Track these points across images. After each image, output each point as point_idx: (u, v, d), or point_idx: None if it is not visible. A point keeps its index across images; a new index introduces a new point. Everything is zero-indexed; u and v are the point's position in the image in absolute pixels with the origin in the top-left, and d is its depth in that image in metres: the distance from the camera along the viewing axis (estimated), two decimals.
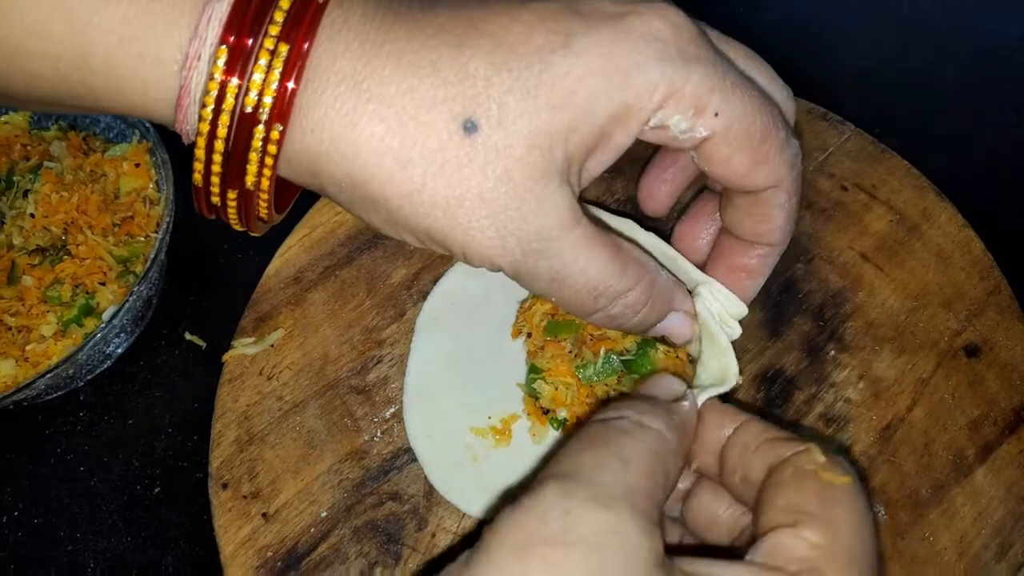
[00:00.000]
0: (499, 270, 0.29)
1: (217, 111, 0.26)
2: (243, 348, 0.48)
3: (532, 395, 0.43)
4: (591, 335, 0.41)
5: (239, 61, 0.26)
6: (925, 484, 0.43)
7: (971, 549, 0.41)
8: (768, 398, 0.45)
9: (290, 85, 0.26)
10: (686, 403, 0.31)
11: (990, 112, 0.61)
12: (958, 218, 0.50)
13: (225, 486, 0.44)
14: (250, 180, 0.27)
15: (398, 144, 0.27)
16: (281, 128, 0.26)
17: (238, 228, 0.30)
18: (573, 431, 0.31)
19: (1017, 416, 0.44)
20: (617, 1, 0.29)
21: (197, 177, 0.28)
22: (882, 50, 0.64)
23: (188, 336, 0.54)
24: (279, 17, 0.26)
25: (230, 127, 0.26)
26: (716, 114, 0.29)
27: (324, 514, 0.43)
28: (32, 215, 0.51)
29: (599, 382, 0.41)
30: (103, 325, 0.47)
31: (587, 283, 0.30)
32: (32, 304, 0.49)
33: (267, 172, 0.27)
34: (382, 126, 0.26)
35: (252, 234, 0.31)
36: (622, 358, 0.40)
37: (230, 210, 0.29)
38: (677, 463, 0.28)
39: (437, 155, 0.27)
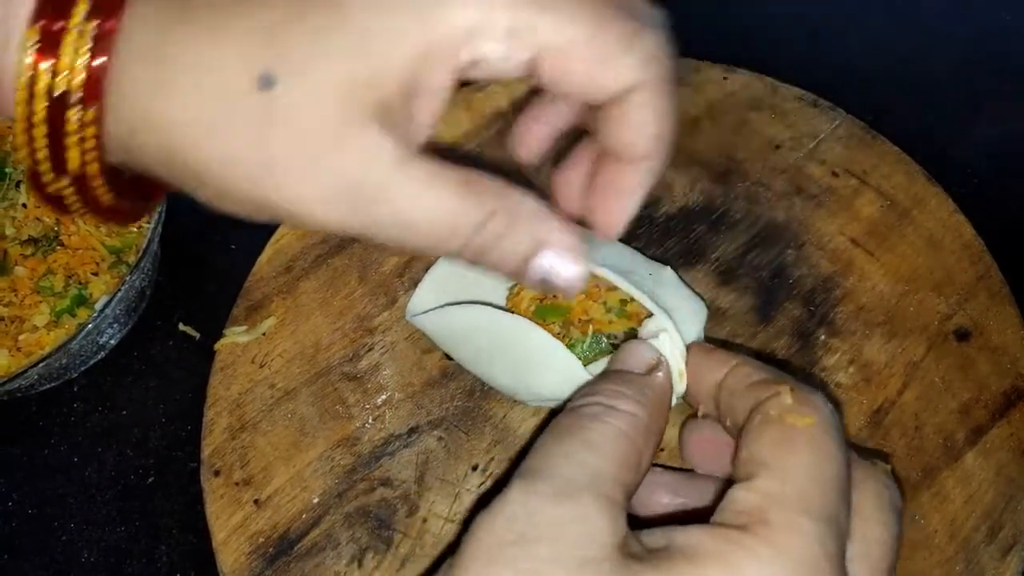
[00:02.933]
0: (341, 232, 0.27)
1: (31, 95, 0.25)
2: (235, 336, 0.48)
3: None
4: (580, 318, 0.41)
5: (50, 42, 0.24)
6: (916, 467, 0.43)
7: (962, 531, 0.41)
8: None
9: (97, 64, 0.24)
10: (659, 374, 0.30)
11: (983, 99, 0.61)
12: (949, 203, 0.50)
13: (217, 473, 0.44)
14: (72, 166, 0.26)
15: (199, 109, 0.25)
16: (95, 108, 0.25)
17: (86, 216, 0.29)
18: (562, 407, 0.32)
19: (1007, 400, 0.44)
20: None
21: (27, 164, 0.26)
22: (875, 37, 0.64)
23: (182, 327, 0.54)
24: None
25: (48, 109, 0.25)
26: (534, 30, 0.25)
27: (316, 500, 0.43)
28: (24, 205, 0.51)
29: (586, 361, 0.41)
30: (95, 315, 0.47)
31: (435, 220, 0.26)
32: (25, 294, 0.49)
33: (90, 156, 0.26)
34: (182, 93, 0.25)
35: (114, 227, 0.30)
36: (611, 340, 0.40)
37: (68, 198, 0.27)
38: (650, 440, 0.28)
39: (238, 116, 0.25)
